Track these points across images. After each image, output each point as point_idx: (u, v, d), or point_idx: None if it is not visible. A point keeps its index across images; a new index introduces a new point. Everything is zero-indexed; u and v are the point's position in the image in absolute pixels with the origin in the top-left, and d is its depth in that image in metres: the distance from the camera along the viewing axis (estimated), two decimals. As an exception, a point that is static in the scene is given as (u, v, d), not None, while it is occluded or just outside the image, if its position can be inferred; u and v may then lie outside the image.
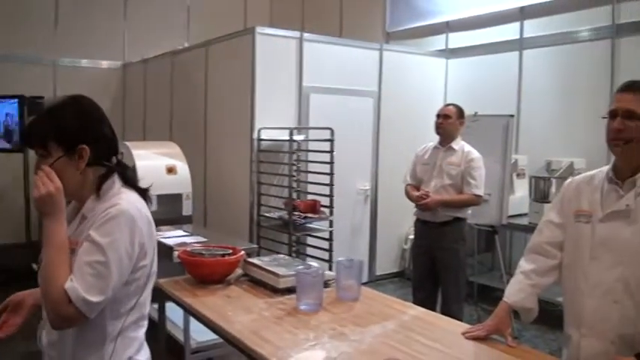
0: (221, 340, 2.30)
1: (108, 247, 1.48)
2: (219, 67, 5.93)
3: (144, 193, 1.68)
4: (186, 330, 3.51)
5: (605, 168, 1.97)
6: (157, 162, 4.72)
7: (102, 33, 7.81)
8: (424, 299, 3.99)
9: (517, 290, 2.05)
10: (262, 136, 5.27)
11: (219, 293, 2.56)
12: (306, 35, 5.60)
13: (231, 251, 2.81)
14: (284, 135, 5.09)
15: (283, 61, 5.47)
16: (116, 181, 1.62)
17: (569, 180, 2.14)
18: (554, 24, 5.51)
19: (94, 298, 1.45)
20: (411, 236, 5.22)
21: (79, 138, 1.55)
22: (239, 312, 2.28)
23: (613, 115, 1.84)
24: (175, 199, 4.69)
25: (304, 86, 5.55)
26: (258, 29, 5.28)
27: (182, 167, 4.84)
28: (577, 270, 1.94)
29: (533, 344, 4.42)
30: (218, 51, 5.99)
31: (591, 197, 1.95)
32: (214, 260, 2.72)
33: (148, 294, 1.68)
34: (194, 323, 2.63)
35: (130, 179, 1.67)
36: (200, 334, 3.50)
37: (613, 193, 1.90)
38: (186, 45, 7.33)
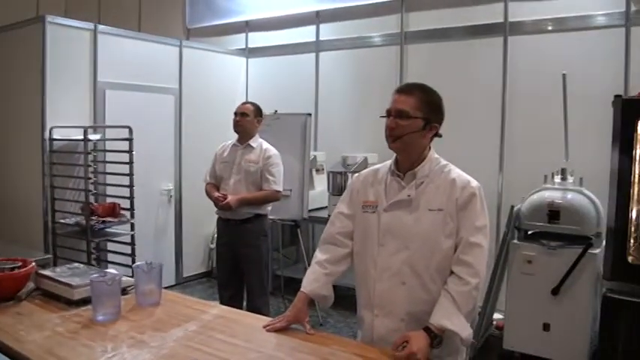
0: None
1: None
2: (6, 58, 5.36)
3: None
4: (-21, 357, 3.15)
5: (389, 162, 2.15)
6: None
7: None
8: (231, 297, 4.03)
9: (312, 280, 2.16)
10: (55, 136, 4.89)
11: (9, 311, 2.32)
12: (100, 27, 5.30)
13: (20, 264, 2.57)
14: (78, 134, 4.78)
15: (76, 54, 5.12)
16: None
17: (356, 174, 2.30)
18: (350, 29, 5.85)
19: None
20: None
21: None
22: (31, 330, 2.10)
23: (388, 114, 2.03)
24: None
25: (99, 82, 5.25)
26: (49, 18, 4.89)
27: (-37, 172, 4.31)
28: (367, 256, 2.09)
29: (336, 329, 4.69)
30: (4, 40, 5.39)
31: (376, 189, 2.12)
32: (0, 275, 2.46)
33: None
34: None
35: None
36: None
37: (395, 185, 2.07)
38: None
